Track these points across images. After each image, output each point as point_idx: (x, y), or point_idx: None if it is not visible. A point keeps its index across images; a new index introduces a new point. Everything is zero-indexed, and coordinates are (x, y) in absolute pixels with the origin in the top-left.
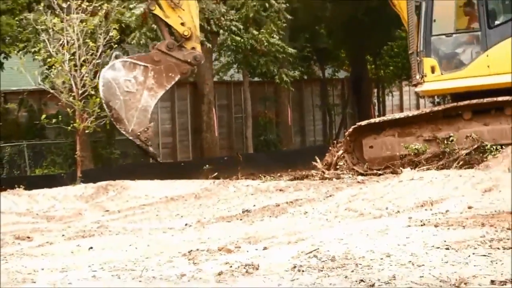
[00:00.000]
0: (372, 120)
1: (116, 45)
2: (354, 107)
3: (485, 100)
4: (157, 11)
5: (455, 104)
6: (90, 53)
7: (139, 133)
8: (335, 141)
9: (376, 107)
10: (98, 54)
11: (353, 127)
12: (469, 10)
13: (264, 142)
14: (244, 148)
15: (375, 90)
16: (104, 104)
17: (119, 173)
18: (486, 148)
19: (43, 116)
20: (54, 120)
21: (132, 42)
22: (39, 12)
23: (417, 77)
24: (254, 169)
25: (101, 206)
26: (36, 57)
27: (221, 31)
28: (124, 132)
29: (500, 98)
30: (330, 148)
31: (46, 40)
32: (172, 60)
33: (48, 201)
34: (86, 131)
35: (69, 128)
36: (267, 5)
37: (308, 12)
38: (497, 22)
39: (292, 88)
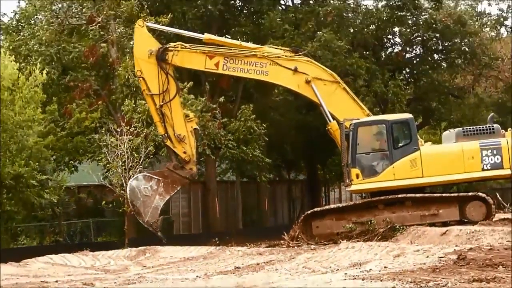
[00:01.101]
0: (316, 209)
1: (152, 156)
2: (309, 199)
3: (390, 196)
4: (168, 143)
5: (371, 199)
6: (135, 161)
7: (151, 223)
8: (296, 222)
9: (324, 199)
10: (141, 162)
11: (303, 215)
12: (381, 137)
13: (250, 221)
14: (236, 225)
15: (323, 188)
16: (129, 203)
17: (153, 241)
18: (395, 228)
19: (103, 202)
20: (110, 205)
21: (163, 155)
22: (101, 133)
23: (347, 181)
24: (243, 239)
25: (141, 263)
26: (99, 163)
27: (221, 147)
28: (141, 222)
29: (400, 195)
30: (293, 226)
31: (106, 152)
32: (176, 176)
33: (105, 259)
34: (132, 213)
35: (120, 210)
36: (252, 130)
37: (278, 135)
38: (399, 145)
39: (268, 186)
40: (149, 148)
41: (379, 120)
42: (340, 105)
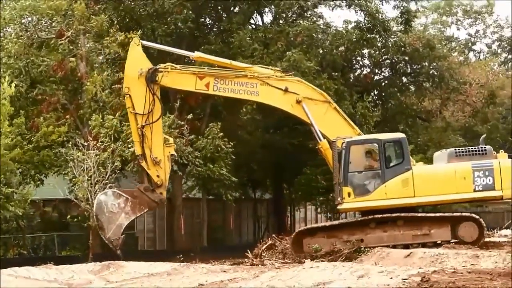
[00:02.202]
0: (309, 226)
1: (119, 171)
2: (274, 218)
3: (379, 215)
4: (143, 164)
5: (363, 217)
6: (101, 176)
7: (112, 241)
8: (261, 240)
9: (289, 219)
10: (107, 176)
11: (298, 230)
12: (373, 156)
13: (215, 238)
14: (201, 242)
15: (289, 207)
16: (94, 216)
17: (117, 256)
18: (360, 249)
19: (68, 216)
20: (75, 219)
21: (129, 169)
22: (68, 148)
23: (339, 199)
24: (207, 256)
25: (104, 278)
26: (65, 177)
27: (188, 164)
28: (103, 237)
29: (392, 214)
30: (257, 244)
31: (72, 167)
32: (146, 198)
33: (69, 273)
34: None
35: (85, 225)
36: (219, 148)
37: (245, 154)
38: (391, 164)
39: (234, 204)
40: (115, 163)
41: (372, 139)
42: (331, 124)
